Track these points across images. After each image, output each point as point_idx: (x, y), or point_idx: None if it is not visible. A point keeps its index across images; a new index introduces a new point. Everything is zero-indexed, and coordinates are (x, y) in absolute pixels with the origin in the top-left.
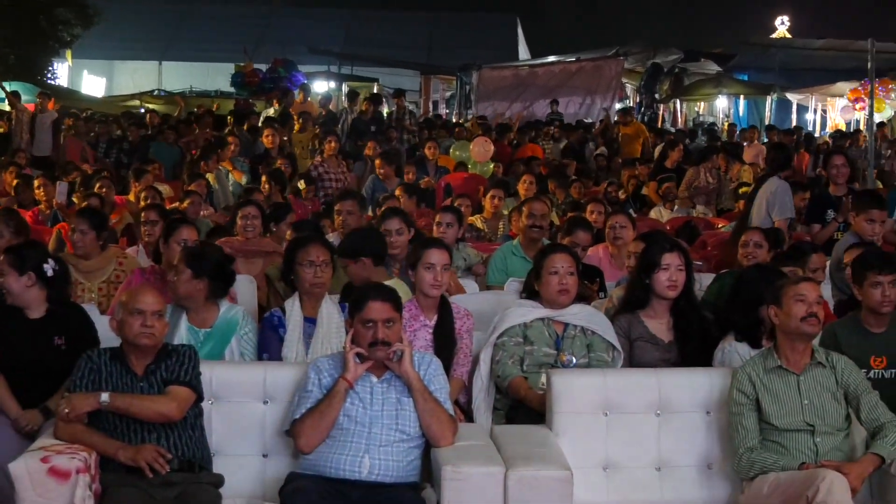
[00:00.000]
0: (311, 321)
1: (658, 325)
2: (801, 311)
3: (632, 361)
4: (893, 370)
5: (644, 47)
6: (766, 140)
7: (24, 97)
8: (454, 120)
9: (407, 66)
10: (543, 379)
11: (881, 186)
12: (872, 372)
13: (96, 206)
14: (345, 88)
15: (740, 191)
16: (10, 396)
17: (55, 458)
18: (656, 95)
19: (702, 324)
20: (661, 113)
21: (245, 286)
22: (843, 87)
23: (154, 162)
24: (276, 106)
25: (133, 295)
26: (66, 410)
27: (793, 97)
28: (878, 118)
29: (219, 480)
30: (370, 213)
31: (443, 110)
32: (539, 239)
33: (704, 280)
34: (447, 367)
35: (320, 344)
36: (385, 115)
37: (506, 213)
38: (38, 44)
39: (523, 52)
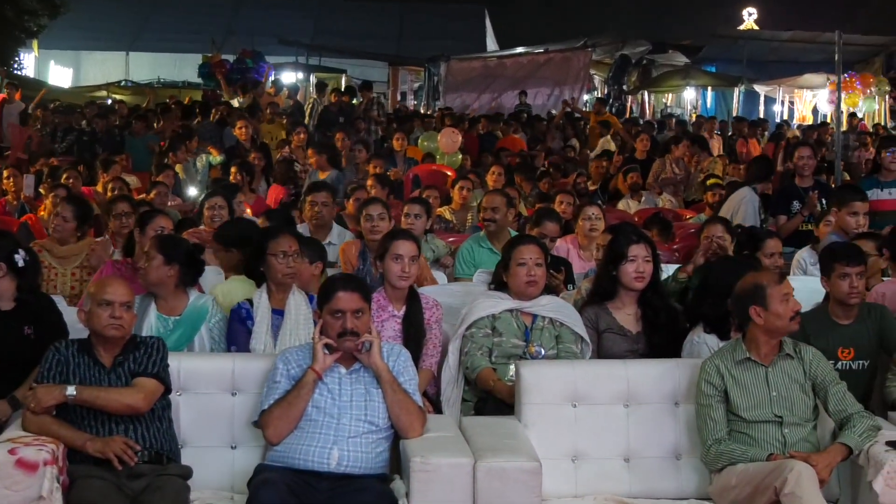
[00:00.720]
0: (279, 313)
1: (626, 316)
2: (788, 311)
3: (600, 353)
4: (861, 361)
5: (612, 39)
6: (730, 133)
7: None
8: (422, 111)
9: (375, 58)
10: (512, 370)
11: (848, 178)
12: (840, 363)
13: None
14: (313, 79)
15: (707, 182)
16: None
17: (23, 450)
18: (624, 87)
19: (669, 315)
20: (629, 104)
21: (213, 277)
22: (811, 78)
23: (122, 152)
24: (242, 97)
25: (101, 286)
26: (32, 404)
27: (760, 89)
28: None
29: (187, 472)
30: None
31: (411, 101)
32: (495, 231)
33: (672, 271)
34: (416, 359)
35: (289, 335)
36: (353, 105)
37: (475, 204)
38: (4, 34)
39: (491, 43)
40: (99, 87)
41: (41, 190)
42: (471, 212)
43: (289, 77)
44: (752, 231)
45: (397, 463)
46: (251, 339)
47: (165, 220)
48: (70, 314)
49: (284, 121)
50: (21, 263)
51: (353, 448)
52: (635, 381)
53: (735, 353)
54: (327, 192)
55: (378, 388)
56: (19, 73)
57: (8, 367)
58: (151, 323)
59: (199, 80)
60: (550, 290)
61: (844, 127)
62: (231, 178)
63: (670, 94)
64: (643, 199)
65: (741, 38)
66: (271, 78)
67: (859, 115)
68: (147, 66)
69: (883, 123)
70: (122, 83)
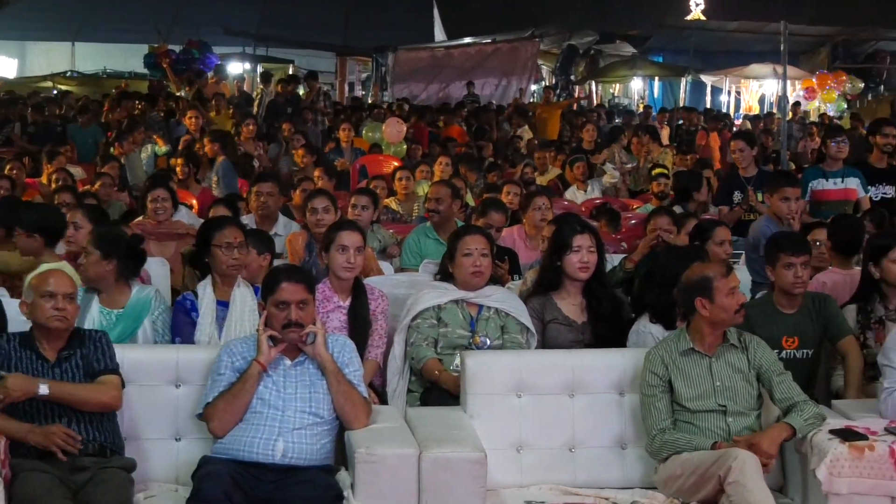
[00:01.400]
0: (223, 304)
1: (571, 306)
2: (734, 304)
3: (545, 343)
4: (805, 350)
5: (559, 29)
6: (680, 122)
7: None
8: (370, 101)
9: (323, 48)
10: (457, 360)
11: (793, 167)
12: (784, 352)
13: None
14: (260, 70)
15: (653, 172)
16: None
17: None
18: (572, 77)
19: (614, 304)
20: (576, 94)
21: (158, 269)
22: (757, 69)
23: (66, 143)
24: (189, 89)
25: (44, 278)
26: (1, 395)
27: (707, 79)
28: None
29: (131, 464)
30: None
31: (359, 92)
32: (440, 222)
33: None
34: (361, 350)
35: (233, 327)
36: (301, 96)
37: (421, 194)
38: None
39: (439, 33)
40: (44, 78)
41: None
42: (417, 202)
43: (235, 67)
44: (701, 224)
45: (342, 454)
46: (196, 331)
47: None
48: (11, 306)
49: (231, 111)
50: None
51: (298, 440)
52: (580, 371)
53: (679, 343)
54: (272, 182)
55: (323, 379)
56: None
57: None
58: (94, 317)
59: (146, 71)
60: (496, 280)
61: (789, 116)
62: (178, 170)
63: (618, 85)
64: (588, 188)
65: (688, 28)
66: (212, 68)
67: (830, 112)
68: (93, 57)
69: (829, 113)
70: (68, 73)
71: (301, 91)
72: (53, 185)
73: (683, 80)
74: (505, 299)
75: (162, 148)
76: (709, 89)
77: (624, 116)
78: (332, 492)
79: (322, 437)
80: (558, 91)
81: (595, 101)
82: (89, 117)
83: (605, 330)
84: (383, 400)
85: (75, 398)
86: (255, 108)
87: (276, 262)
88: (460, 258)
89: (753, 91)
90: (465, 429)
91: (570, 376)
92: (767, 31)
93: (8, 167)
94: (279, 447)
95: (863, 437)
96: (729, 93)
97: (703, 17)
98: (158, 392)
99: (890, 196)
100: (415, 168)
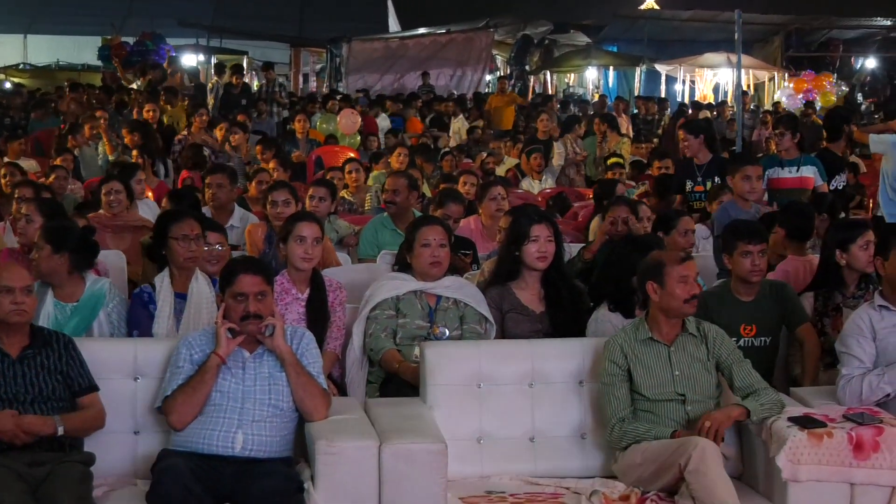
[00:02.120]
0: (181, 296)
1: (529, 296)
2: (684, 293)
3: (504, 333)
4: (763, 338)
5: (514, 19)
6: (634, 111)
7: None
8: (324, 92)
9: (277, 39)
10: (417, 351)
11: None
12: (742, 340)
13: None
14: (214, 61)
15: (609, 161)
16: None
17: None
18: (526, 67)
19: (572, 294)
20: (531, 84)
21: (114, 261)
22: (711, 58)
23: (21, 136)
24: (143, 81)
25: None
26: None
27: (661, 68)
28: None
29: (89, 458)
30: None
31: (313, 83)
32: (397, 213)
33: (575, 251)
34: (320, 341)
35: (191, 319)
36: (255, 88)
37: (372, 185)
38: None
39: (394, 24)
40: None
41: None
42: (368, 193)
43: (189, 59)
44: (664, 215)
45: (302, 446)
46: (153, 324)
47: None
48: None
49: (185, 103)
50: None
51: (258, 432)
52: (540, 360)
53: (638, 332)
54: (224, 174)
55: (282, 371)
56: None
57: None
58: (49, 311)
59: (100, 63)
60: (455, 270)
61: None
62: (133, 159)
63: (572, 74)
64: (544, 178)
65: (642, 17)
66: (164, 60)
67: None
68: (46, 49)
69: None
70: (21, 66)
71: (255, 83)
72: (2, 180)
73: (638, 70)
74: (463, 289)
75: (111, 156)
76: (663, 78)
77: (579, 106)
78: (292, 484)
79: (282, 430)
80: (513, 81)
81: (550, 92)
82: (45, 111)
83: (564, 319)
84: (342, 391)
85: (81, 431)
86: (209, 100)
87: (234, 254)
88: (418, 249)
89: (708, 80)
90: (426, 420)
91: (529, 366)
92: (721, 20)
93: None
94: (238, 440)
95: (821, 424)
96: (683, 82)
97: (656, 7)
98: (117, 385)
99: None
100: (374, 160)
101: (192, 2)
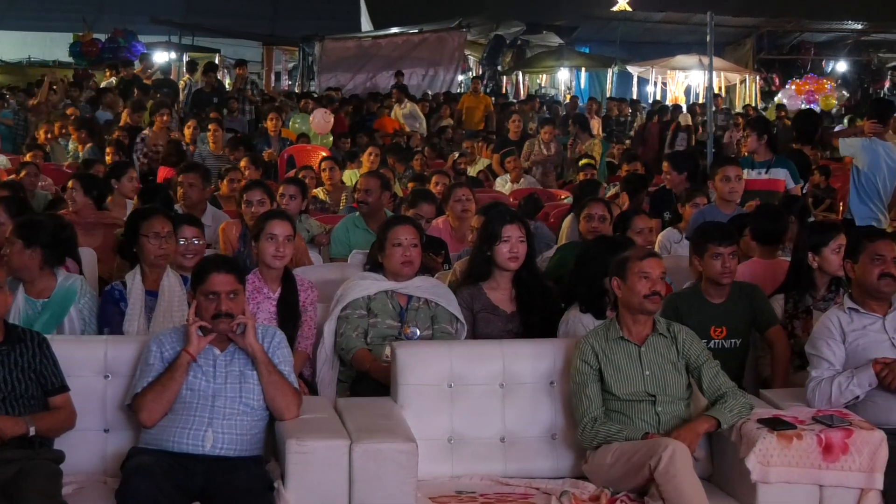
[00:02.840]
0: (152, 294)
1: (500, 296)
2: (644, 289)
3: (475, 333)
4: (733, 340)
5: (486, 19)
6: (604, 112)
7: None
8: (297, 91)
9: (249, 37)
10: (388, 351)
11: None
12: (712, 342)
13: None
14: (186, 59)
15: (580, 163)
16: None
17: None
18: (499, 67)
19: (544, 294)
20: (503, 85)
21: (84, 258)
22: (683, 59)
23: None
24: (110, 76)
25: None
26: None
27: (633, 70)
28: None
29: (59, 456)
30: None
31: (285, 82)
32: (369, 212)
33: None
34: (291, 340)
35: (162, 317)
36: (227, 86)
37: (349, 184)
38: None
39: (366, 23)
40: None
41: None
42: (345, 192)
43: (161, 56)
44: (623, 213)
45: (273, 445)
46: (124, 321)
47: None
48: None
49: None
50: None
51: (228, 430)
52: (511, 361)
53: (609, 332)
54: (196, 173)
55: (253, 369)
56: None
57: None
58: (20, 306)
59: (71, 59)
60: (427, 270)
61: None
62: (107, 158)
63: (544, 75)
64: (520, 179)
65: (614, 19)
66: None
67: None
68: (17, 45)
69: (753, 105)
70: None
71: (228, 81)
72: None
73: (610, 71)
74: (434, 289)
75: (81, 153)
76: (635, 80)
77: (551, 107)
78: (262, 482)
79: (252, 428)
80: (485, 81)
81: (522, 92)
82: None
83: (535, 320)
84: (313, 391)
85: (52, 432)
86: (181, 97)
87: (207, 252)
88: (390, 248)
89: (679, 82)
90: (396, 419)
91: (500, 367)
92: (693, 22)
93: None
94: (209, 438)
95: (791, 426)
96: (655, 83)
97: (629, 8)
98: (87, 383)
99: None
100: (345, 159)
101: None
